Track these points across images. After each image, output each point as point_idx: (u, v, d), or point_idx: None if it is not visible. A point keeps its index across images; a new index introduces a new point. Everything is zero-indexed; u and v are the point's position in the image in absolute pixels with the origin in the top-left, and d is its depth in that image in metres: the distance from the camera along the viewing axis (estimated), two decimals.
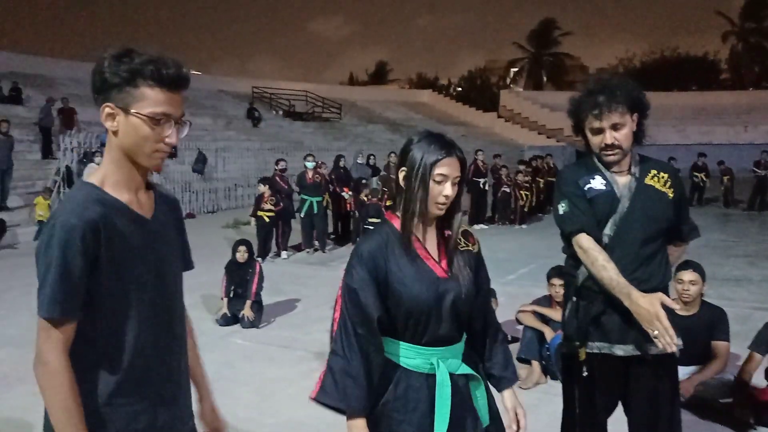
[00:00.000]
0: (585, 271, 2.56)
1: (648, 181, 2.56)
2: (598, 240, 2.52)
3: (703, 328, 4.37)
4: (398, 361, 2.00)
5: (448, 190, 1.97)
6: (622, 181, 2.56)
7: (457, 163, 1.99)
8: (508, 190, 14.52)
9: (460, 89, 53.44)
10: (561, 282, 5.07)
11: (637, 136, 2.56)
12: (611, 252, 2.49)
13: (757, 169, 17.42)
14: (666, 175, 2.58)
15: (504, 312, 5.93)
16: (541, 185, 16.18)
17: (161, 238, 1.73)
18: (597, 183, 2.57)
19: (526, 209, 14.80)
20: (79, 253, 1.53)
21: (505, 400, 2.13)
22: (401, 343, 2.00)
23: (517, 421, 2.09)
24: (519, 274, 8.85)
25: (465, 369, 2.04)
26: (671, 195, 2.56)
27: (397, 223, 2.03)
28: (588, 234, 2.52)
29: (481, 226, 13.98)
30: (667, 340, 2.27)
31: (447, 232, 2.07)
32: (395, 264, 1.97)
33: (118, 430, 1.62)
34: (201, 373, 2.01)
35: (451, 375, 2.00)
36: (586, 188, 2.57)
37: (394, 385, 1.99)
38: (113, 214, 1.60)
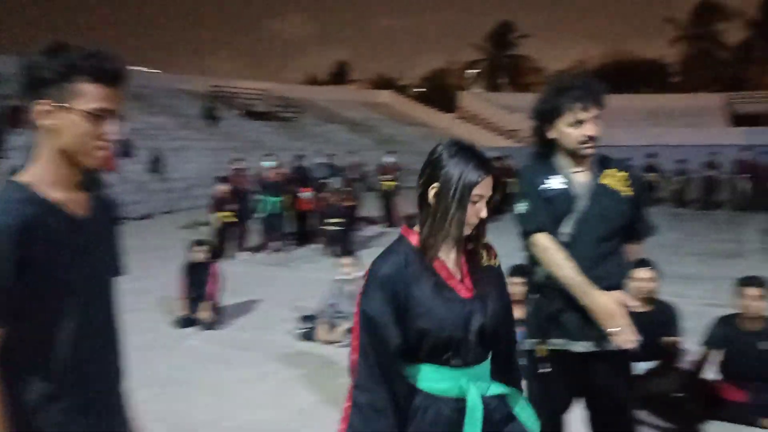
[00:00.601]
0: (544, 269, 2.59)
1: (606, 180, 2.61)
2: (557, 239, 2.55)
3: (657, 325, 4.47)
4: (424, 387, 1.84)
5: (484, 211, 1.84)
6: (581, 180, 2.60)
7: (492, 181, 1.85)
8: None
9: (420, 90, 53.68)
10: (520, 280, 5.12)
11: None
12: (570, 250, 2.53)
13: (707, 170, 17.94)
14: (625, 174, 2.63)
15: None
16: (500, 186, 16.32)
17: (96, 240, 1.69)
18: (555, 182, 2.61)
19: None
20: (8, 257, 1.47)
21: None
22: (426, 365, 1.84)
23: None
24: None
25: (497, 389, 1.92)
26: (629, 194, 2.61)
27: (415, 240, 1.86)
28: (546, 233, 2.55)
29: None
30: (625, 338, 2.31)
31: (469, 246, 1.92)
32: (417, 288, 1.80)
33: None
34: None
35: (483, 398, 1.87)
36: (544, 188, 2.60)
37: (423, 412, 1.83)
38: (46, 215, 1.55)
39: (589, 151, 2.56)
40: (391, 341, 1.78)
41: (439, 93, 46.71)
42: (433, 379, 1.84)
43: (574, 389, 2.68)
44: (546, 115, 2.62)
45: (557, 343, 2.60)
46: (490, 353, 1.95)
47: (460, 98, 42.19)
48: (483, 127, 37.47)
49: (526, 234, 2.63)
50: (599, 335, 2.50)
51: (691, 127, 33.01)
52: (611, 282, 2.54)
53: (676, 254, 10.05)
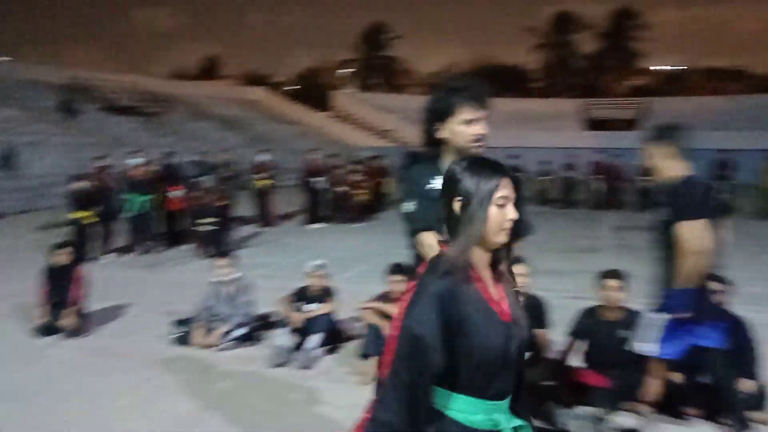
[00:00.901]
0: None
1: None
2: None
3: (529, 318, 4.70)
4: (456, 417, 1.76)
5: (512, 212, 1.83)
6: None
7: (511, 183, 1.86)
8: (343, 189, 14.70)
9: (293, 88, 53.26)
10: (399, 278, 5.21)
11: None
12: None
13: (567, 171, 19.18)
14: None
15: (349, 310, 5.99)
16: (375, 185, 16.57)
17: None
18: (438, 183, 2.66)
19: (363, 208, 15.09)
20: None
21: None
22: (462, 396, 1.76)
23: None
24: (358, 272, 8.98)
25: (517, 421, 1.87)
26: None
27: (457, 257, 1.80)
28: (433, 232, 2.61)
29: (318, 225, 14.02)
30: None
31: (500, 268, 1.88)
32: (467, 306, 1.74)
33: None
34: None
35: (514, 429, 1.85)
36: (430, 187, 2.65)
37: None
38: None
39: (478, 150, 2.64)
40: (433, 364, 1.70)
41: (313, 91, 46.60)
42: (467, 410, 1.77)
43: None
44: (438, 114, 2.68)
45: None
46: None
47: (333, 97, 42.32)
48: (356, 127, 37.81)
49: (413, 233, 2.68)
50: None
51: (550, 131, 35.12)
52: None
53: (541, 250, 10.62)
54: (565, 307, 5.49)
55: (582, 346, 4.70)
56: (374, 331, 5.10)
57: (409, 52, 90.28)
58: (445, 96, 2.67)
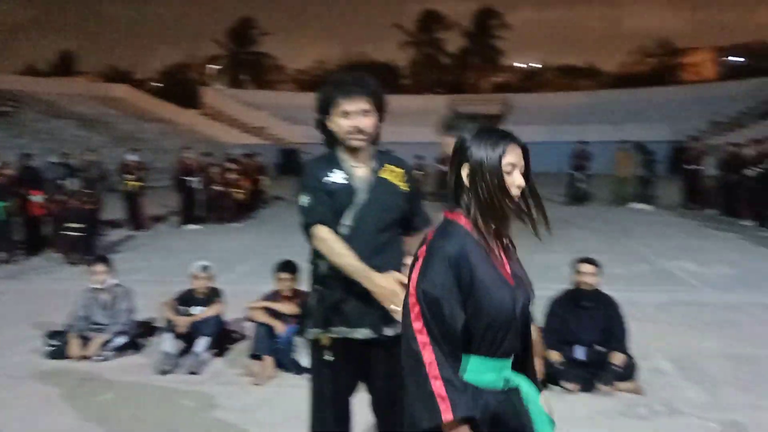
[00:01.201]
0: (326, 260, 2.67)
1: (384, 174, 2.75)
2: (337, 231, 2.65)
3: None
4: (470, 379, 1.80)
5: (519, 179, 1.84)
6: (360, 174, 2.72)
7: (521, 151, 1.87)
8: (219, 188, 14.33)
9: (158, 85, 51.06)
10: (288, 275, 5.20)
11: (375, 137, 2.76)
12: (350, 241, 2.64)
13: (439, 165, 19.77)
14: (401, 171, 2.80)
15: (234, 311, 5.88)
16: (252, 183, 16.29)
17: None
18: (337, 177, 2.71)
19: (240, 207, 14.79)
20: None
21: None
22: (473, 356, 1.81)
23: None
24: (239, 273, 8.81)
25: (523, 378, 1.92)
26: (405, 189, 2.78)
27: (464, 222, 1.86)
28: (326, 225, 2.65)
29: (194, 226, 13.59)
30: (396, 309, 2.44)
31: (505, 238, 1.93)
32: (478, 268, 1.79)
33: None
34: None
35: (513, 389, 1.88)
36: (326, 181, 2.69)
37: (479, 406, 1.79)
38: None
39: (356, 143, 2.68)
40: (458, 320, 1.75)
41: (180, 88, 44.89)
42: (478, 370, 1.81)
43: (358, 374, 2.80)
44: (323, 107, 2.72)
45: (339, 331, 2.69)
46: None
47: (202, 94, 41.08)
48: (228, 124, 36.93)
49: (308, 226, 2.70)
50: (377, 322, 2.64)
51: (422, 126, 36.06)
52: (393, 269, 2.70)
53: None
54: None
55: None
56: (264, 330, 5.05)
57: (278, 49, 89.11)
58: (327, 89, 2.72)
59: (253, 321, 5.18)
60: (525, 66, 64.09)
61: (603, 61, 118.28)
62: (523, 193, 1.87)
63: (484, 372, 1.81)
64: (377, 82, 2.75)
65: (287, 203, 18.48)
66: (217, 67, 53.40)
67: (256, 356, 5.02)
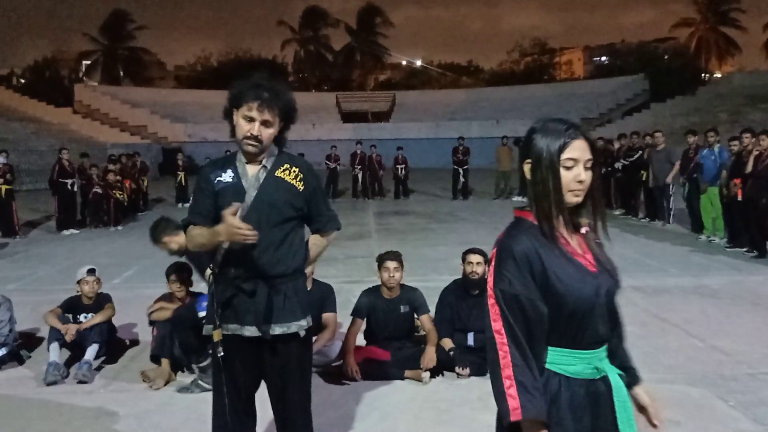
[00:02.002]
0: (218, 259, 2.70)
1: (278, 173, 2.76)
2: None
3: (315, 303, 4.93)
4: (557, 370, 1.82)
5: (582, 174, 1.82)
6: (252, 173, 2.75)
7: (586, 145, 1.84)
8: (99, 190, 13.69)
9: (25, 81, 47.69)
10: (180, 278, 5.10)
11: (279, 141, 2.78)
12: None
13: (329, 162, 19.89)
14: (297, 170, 2.80)
15: (123, 316, 5.69)
16: (134, 185, 15.69)
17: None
18: (227, 176, 2.75)
19: (121, 209, 14.19)
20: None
21: (642, 395, 2.01)
22: (558, 349, 1.83)
23: (658, 417, 2.00)
24: (124, 277, 8.50)
25: (616, 369, 1.92)
26: (301, 188, 2.80)
27: (532, 218, 1.86)
28: (194, 224, 2.74)
29: (72, 230, 12.91)
30: (248, 234, 2.46)
31: (584, 226, 1.91)
32: (550, 261, 1.79)
33: None
34: None
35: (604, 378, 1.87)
36: (216, 181, 2.75)
37: (557, 395, 1.81)
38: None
39: (249, 148, 2.68)
40: (540, 311, 1.77)
41: (50, 85, 42.15)
42: (567, 362, 1.82)
43: (254, 371, 2.83)
44: (233, 100, 2.72)
45: (231, 327, 2.73)
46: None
47: (76, 91, 38.86)
48: (104, 123, 35.18)
49: (183, 226, 2.81)
50: (262, 321, 2.68)
51: (308, 123, 35.94)
52: (284, 267, 2.73)
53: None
54: (340, 291, 5.78)
55: (363, 324, 5.01)
56: (167, 333, 4.93)
57: (156, 44, 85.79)
58: (244, 85, 2.71)
59: (156, 322, 5.02)
60: (409, 63, 65.36)
61: (483, 59, 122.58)
62: (592, 189, 1.87)
63: (571, 363, 1.83)
64: (291, 97, 2.76)
65: (171, 204, 17.96)
66: (90, 62, 50.64)
67: (156, 358, 4.91)
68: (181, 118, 36.45)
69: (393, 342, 4.96)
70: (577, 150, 1.82)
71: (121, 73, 50.83)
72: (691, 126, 20.49)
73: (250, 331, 2.70)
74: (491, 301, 1.81)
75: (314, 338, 4.86)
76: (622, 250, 9.77)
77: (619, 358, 1.98)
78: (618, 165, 14.12)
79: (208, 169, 2.82)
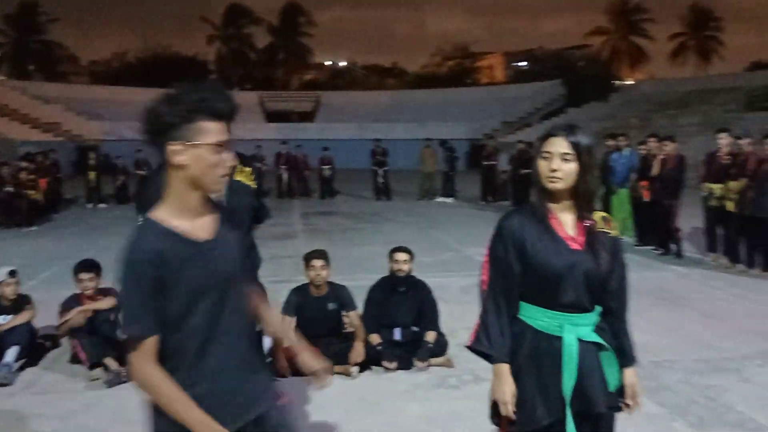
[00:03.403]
0: None
1: (237, 176, 2.77)
2: None
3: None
4: (529, 322, 2.30)
5: (557, 164, 2.22)
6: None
7: (564, 142, 2.24)
8: (11, 189, 13.11)
9: None
10: (90, 275, 5.05)
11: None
12: None
13: (254, 162, 19.70)
14: (249, 169, 2.82)
15: (42, 318, 5.56)
16: (48, 184, 15.11)
17: (220, 254, 1.92)
18: None
19: (35, 209, 13.64)
20: (143, 284, 1.77)
21: (627, 377, 2.36)
22: (532, 306, 2.29)
23: (633, 398, 2.37)
24: (41, 279, 8.23)
25: (594, 337, 2.28)
26: (254, 186, 2.83)
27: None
28: None
29: None
30: None
31: (589, 221, 2.30)
32: (532, 235, 2.26)
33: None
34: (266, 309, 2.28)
35: (582, 341, 2.25)
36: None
37: (527, 342, 2.28)
38: (174, 244, 1.83)
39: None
40: (515, 275, 2.27)
41: None
42: (537, 317, 2.29)
43: None
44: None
45: None
46: (598, 309, 2.32)
47: None
48: (14, 119, 33.48)
49: None
50: None
51: (234, 123, 35.43)
52: (253, 272, 2.75)
53: None
54: (269, 290, 5.81)
55: (293, 321, 5.09)
56: (84, 334, 4.86)
57: (70, 38, 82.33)
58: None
59: (75, 330, 4.92)
60: (334, 64, 65.37)
61: (407, 62, 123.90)
62: (580, 183, 2.26)
63: (538, 317, 2.29)
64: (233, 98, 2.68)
65: (82, 206, 17.35)
66: None
67: (96, 365, 4.83)
68: (97, 115, 35.16)
69: (322, 339, 5.06)
70: (554, 145, 2.25)
71: (32, 68, 48.55)
72: (604, 131, 21.52)
73: None
74: (484, 258, 2.38)
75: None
76: None
77: (617, 338, 2.35)
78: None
79: (159, 179, 2.15)
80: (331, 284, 5.12)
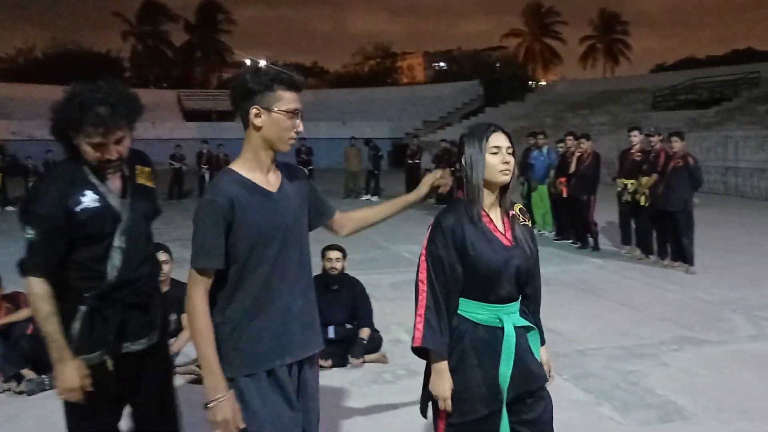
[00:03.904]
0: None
1: (139, 179, 2.56)
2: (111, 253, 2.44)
3: (174, 303, 4.88)
4: (469, 317, 2.35)
5: (508, 157, 2.33)
6: (115, 188, 2.48)
7: (506, 137, 2.36)
8: None
9: None
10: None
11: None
12: (124, 260, 2.44)
13: (173, 162, 19.18)
14: (148, 169, 2.62)
15: None
16: None
17: (284, 205, 2.24)
18: (89, 200, 2.40)
19: None
20: (217, 221, 2.08)
21: (543, 354, 2.53)
22: (471, 301, 2.35)
23: (548, 371, 2.54)
24: None
25: (524, 322, 2.42)
26: (154, 186, 2.65)
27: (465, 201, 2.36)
28: (44, 277, 2.36)
29: None
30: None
31: (511, 212, 2.43)
32: (470, 234, 2.30)
33: (250, 348, 2.17)
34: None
35: (516, 327, 2.37)
36: (76, 210, 2.36)
37: (462, 332, 2.34)
38: (247, 191, 2.16)
39: (111, 171, 2.44)
40: (456, 274, 2.31)
41: None
42: (476, 311, 2.35)
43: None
44: (68, 126, 2.39)
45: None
46: (520, 296, 2.44)
47: None
48: None
49: (25, 270, 2.38)
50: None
51: (148, 122, 34.33)
52: (152, 280, 2.65)
53: (158, 240, 10.61)
54: None
55: None
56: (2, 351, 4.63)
57: None
58: (72, 107, 2.35)
59: None
60: (253, 62, 64.33)
61: (328, 61, 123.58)
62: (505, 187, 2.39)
63: (478, 312, 2.36)
64: (134, 98, 2.47)
65: None
66: None
67: (12, 378, 4.59)
68: (2, 114, 33.36)
69: None
70: (500, 140, 2.35)
71: None
72: (521, 129, 22.18)
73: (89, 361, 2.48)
74: (422, 258, 2.37)
75: (172, 340, 4.81)
76: None
77: (535, 320, 2.51)
78: (458, 165, 14.92)
79: (52, 190, 2.35)
80: None
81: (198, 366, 4.80)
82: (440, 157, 16.18)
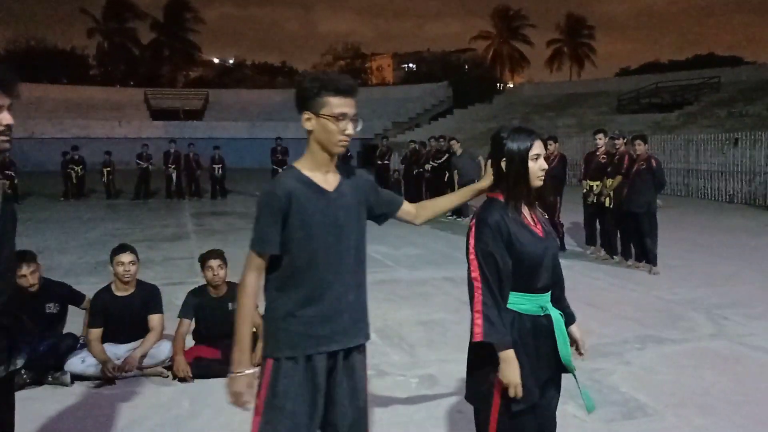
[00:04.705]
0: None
1: None
2: None
3: (140, 305, 4.82)
4: (513, 308, 2.49)
5: (545, 164, 2.56)
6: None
7: (542, 144, 2.57)
8: None
9: None
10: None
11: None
12: None
13: (140, 161, 18.91)
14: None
15: None
16: None
17: (339, 205, 2.39)
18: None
19: None
20: (273, 211, 2.29)
21: (575, 331, 2.69)
22: (515, 293, 2.50)
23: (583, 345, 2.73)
24: None
25: (557, 311, 2.59)
26: (10, 192, 2.53)
27: (501, 198, 2.55)
28: None
29: None
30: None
31: (535, 203, 2.62)
32: (514, 228, 2.48)
33: (299, 332, 2.33)
34: None
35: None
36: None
37: (514, 327, 2.47)
38: (304, 187, 2.34)
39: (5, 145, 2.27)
40: (507, 269, 2.45)
41: None
42: (521, 302, 2.50)
43: None
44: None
45: None
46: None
47: None
48: None
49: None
50: None
51: (114, 120, 33.84)
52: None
53: (125, 241, 10.48)
54: (163, 293, 5.62)
55: (192, 324, 4.97)
56: None
57: None
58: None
59: None
60: (222, 61, 63.83)
61: (297, 61, 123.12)
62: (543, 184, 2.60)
63: (523, 303, 2.52)
64: (14, 71, 2.24)
65: None
66: None
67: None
68: None
69: (223, 340, 4.94)
70: (538, 147, 2.56)
71: None
72: (489, 131, 22.37)
73: None
74: (471, 256, 2.50)
75: (140, 341, 4.77)
76: (433, 245, 10.51)
77: (561, 303, 2.67)
78: (427, 166, 15.04)
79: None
80: (230, 284, 5.03)
81: (166, 368, 4.80)
82: (410, 158, 16.23)
